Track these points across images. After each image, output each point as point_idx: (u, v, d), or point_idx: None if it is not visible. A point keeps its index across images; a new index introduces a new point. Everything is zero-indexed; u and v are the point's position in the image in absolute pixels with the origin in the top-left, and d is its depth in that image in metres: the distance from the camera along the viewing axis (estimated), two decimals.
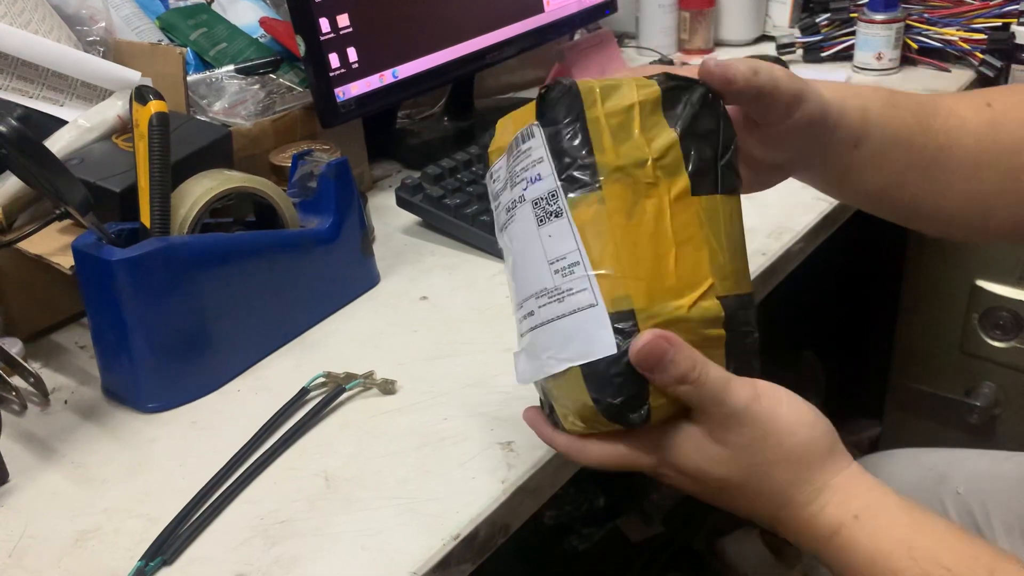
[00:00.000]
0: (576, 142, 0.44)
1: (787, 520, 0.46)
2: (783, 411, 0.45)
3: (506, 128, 0.48)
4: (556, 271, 0.44)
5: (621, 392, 0.44)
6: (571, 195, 0.44)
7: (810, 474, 0.45)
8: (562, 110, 0.44)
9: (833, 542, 0.44)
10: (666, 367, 0.43)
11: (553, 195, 0.44)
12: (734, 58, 0.47)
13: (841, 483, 0.45)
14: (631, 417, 0.44)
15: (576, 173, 0.44)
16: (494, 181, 0.48)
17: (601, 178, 0.43)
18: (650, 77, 0.45)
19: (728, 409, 0.44)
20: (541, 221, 0.44)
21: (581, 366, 0.44)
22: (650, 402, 0.44)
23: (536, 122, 0.45)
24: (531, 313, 0.46)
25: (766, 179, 0.55)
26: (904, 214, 0.59)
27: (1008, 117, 0.57)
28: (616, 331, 0.43)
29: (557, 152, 0.44)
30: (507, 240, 0.48)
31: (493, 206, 0.49)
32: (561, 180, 0.44)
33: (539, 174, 0.44)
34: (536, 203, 0.45)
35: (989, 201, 0.57)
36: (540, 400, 0.50)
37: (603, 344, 0.43)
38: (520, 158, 0.45)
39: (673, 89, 0.45)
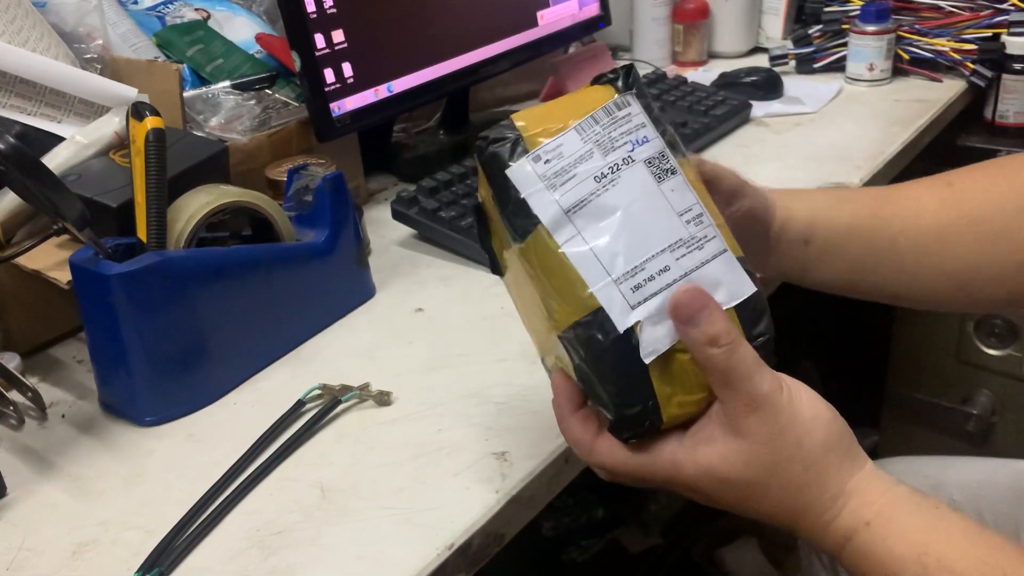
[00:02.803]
0: (660, 116, 0.48)
1: (803, 528, 0.46)
2: (803, 408, 0.44)
3: (544, 115, 0.47)
4: (687, 221, 0.46)
5: (771, 326, 0.47)
6: (675, 156, 0.47)
7: (825, 478, 0.44)
8: (643, 86, 0.48)
9: (847, 549, 0.44)
10: (701, 321, 0.43)
11: (663, 155, 0.46)
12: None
13: (855, 488, 0.45)
14: (775, 358, 0.47)
15: (670, 139, 0.47)
16: (547, 162, 0.45)
17: (683, 148, 0.48)
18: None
19: (753, 388, 0.43)
20: (659, 178, 0.46)
21: (736, 307, 0.46)
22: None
23: (630, 91, 0.47)
24: (665, 269, 0.45)
25: None
26: (880, 295, 0.62)
27: (968, 193, 0.59)
28: (746, 272, 0.47)
29: (654, 120, 0.47)
30: (597, 210, 0.45)
31: (552, 184, 0.45)
32: (666, 143, 0.47)
33: (646, 136, 0.46)
34: (650, 162, 0.46)
35: (964, 275, 0.59)
36: (596, 398, 0.47)
37: (746, 283, 0.46)
38: (618, 124, 0.46)
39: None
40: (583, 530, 1.38)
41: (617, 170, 0.45)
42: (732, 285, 0.46)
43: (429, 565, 0.52)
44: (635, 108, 0.47)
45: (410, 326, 0.76)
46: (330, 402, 0.65)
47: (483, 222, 0.51)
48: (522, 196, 0.45)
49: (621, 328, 0.44)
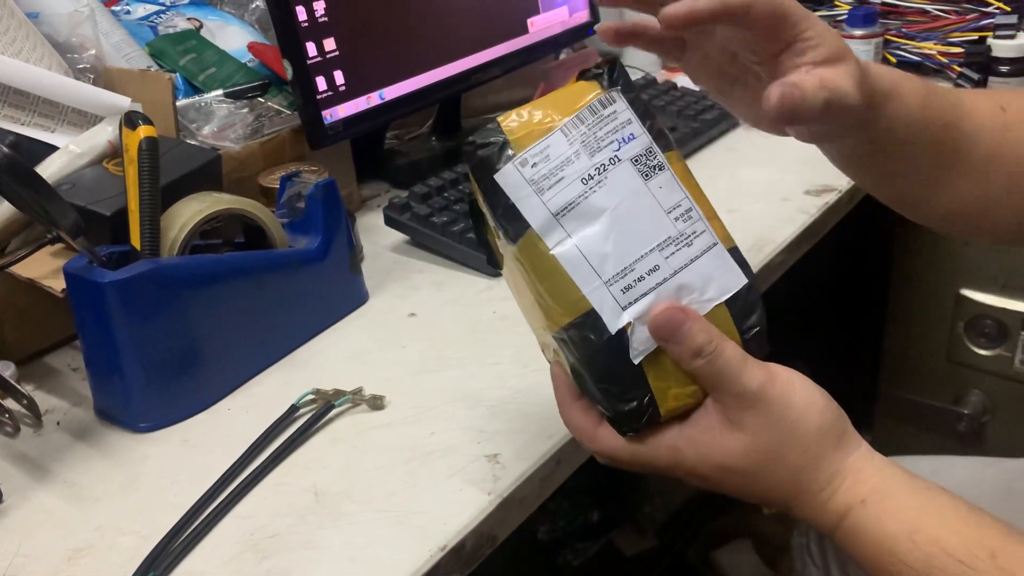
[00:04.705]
0: (648, 108, 0.48)
1: (800, 507, 0.47)
2: (795, 397, 0.45)
3: (530, 116, 0.46)
4: (676, 218, 0.46)
5: (763, 316, 0.47)
6: (664, 152, 0.47)
7: (821, 460, 0.46)
8: (629, 80, 0.48)
9: (842, 527, 0.46)
10: (681, 338, 0.44)
11: (651, 151, 0.46)
12: None
13: (851, 467, 0.46)
14: (767, 348, 0.47)
15: (657, 133, 0.47)
16: (534, 165, 0.45)
17: (672, 139, 0.48)
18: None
19: (741, 388, 0.45)
20: (647, 176, 0.46)
21: (726, 301, 0.46)
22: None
23: (615, 88, 0.47)
24: (654, 268, 0.45)
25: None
26: (909, 203, 0.61)
27: (1020, 122, 0.58)
28: (738, 263, 0.47)
29: (641, 115, 0.47)
30: (586, 212, 0.45)
31: (540, 188, 0.45)
32: (653, 138, 0.46)
33: (632, 134, 0.46)
34: (636, 160, 0.46)
35: (994, 202, 0.59)
36: (593, 396, 0.48)
37: (736, 276, 0.47)
38: (603, 123, 0.46)
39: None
40: (578, 533, 1.38)
41: (604, 171, 0.45)
42: (723, 279, 0.46)
43: (422, 567, 0.52)
44: (620, 105, 0.47)
45: (403, 331, 0.77)
46: (323, 407, 0.65)
47: (478, 217, 0.51)
48: (511, 201, 0.46)
49: (613, 329, 0.45)
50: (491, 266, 0.53)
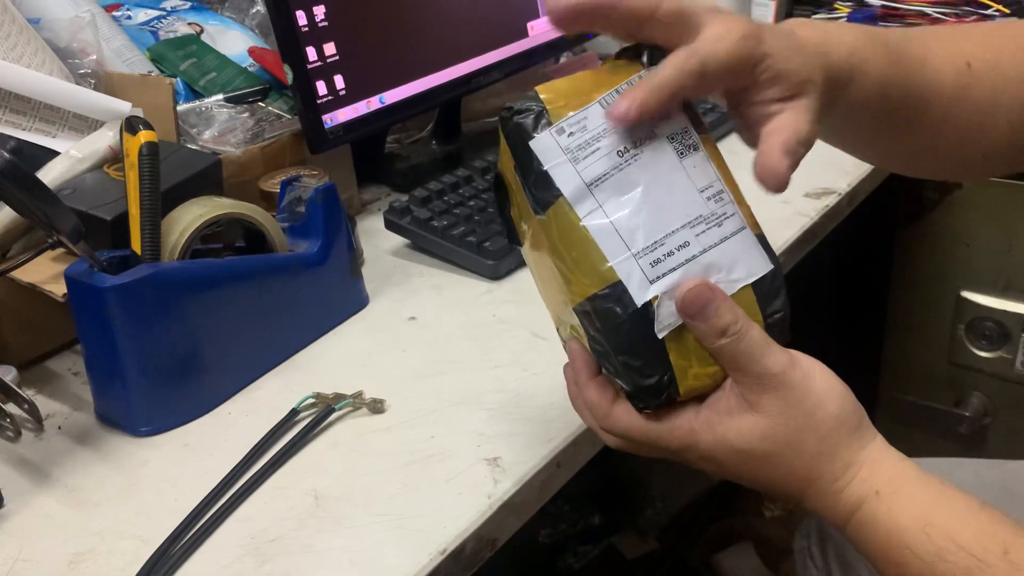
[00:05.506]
0: None
1: (813, 497, 0.47)
2: (816, 383, 0.46)
3: (569, 88, 0.47)
4: (708, 198, 0.46)
5: (787, 303, 0.47)
6: (699, 134, 0.47)
7: (838, 448, 0.46)
8: None
9: (855, 518, 0.46)
10: (709, 315, 0.44)
11: (687, 131, 0.46)
12: None
13: (867, 458, 0.46)
14: (789, 335, 0.47)
15: (692, 115, 0.47)
16: (571, 135, 0.45)
17: (706, 124, 0.48)
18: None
19: (763, 370, 0.45)
20: (682, 154, 0.46)
21: (752, 284, 0.46)
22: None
23: (654, 67, 0.47)
24: (684, 244, 0.45)
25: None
26: (861, 153, 0.63)
27: (983, 79, 0.58)
28: (764, 249, 0.47)
29: None
30: (619, 184, 0.45)
31: (575, 157, 0.45)
32: (689, 119, 0.47)
33: (668, 112, 0.46)
34: (672, 138, 0.46)
35: (943, 154, 0.60)
36: (613, 370, 0.47)
37: (763, 261, 0.47)
38: None
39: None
40: (579, 536, 1.38)
41: (640, 145, 0.45)
42: (750, 262, 0.46)
43: (422, 570, 0.52)
44: None
45: (403, 334, 0.77)
46: (324, 410, 0.66)
47: (502, 192, 0.51)
48: (545, 168, 0.45)
49: (639, 302, 0.45)
50: (511, 242, 0.53)
